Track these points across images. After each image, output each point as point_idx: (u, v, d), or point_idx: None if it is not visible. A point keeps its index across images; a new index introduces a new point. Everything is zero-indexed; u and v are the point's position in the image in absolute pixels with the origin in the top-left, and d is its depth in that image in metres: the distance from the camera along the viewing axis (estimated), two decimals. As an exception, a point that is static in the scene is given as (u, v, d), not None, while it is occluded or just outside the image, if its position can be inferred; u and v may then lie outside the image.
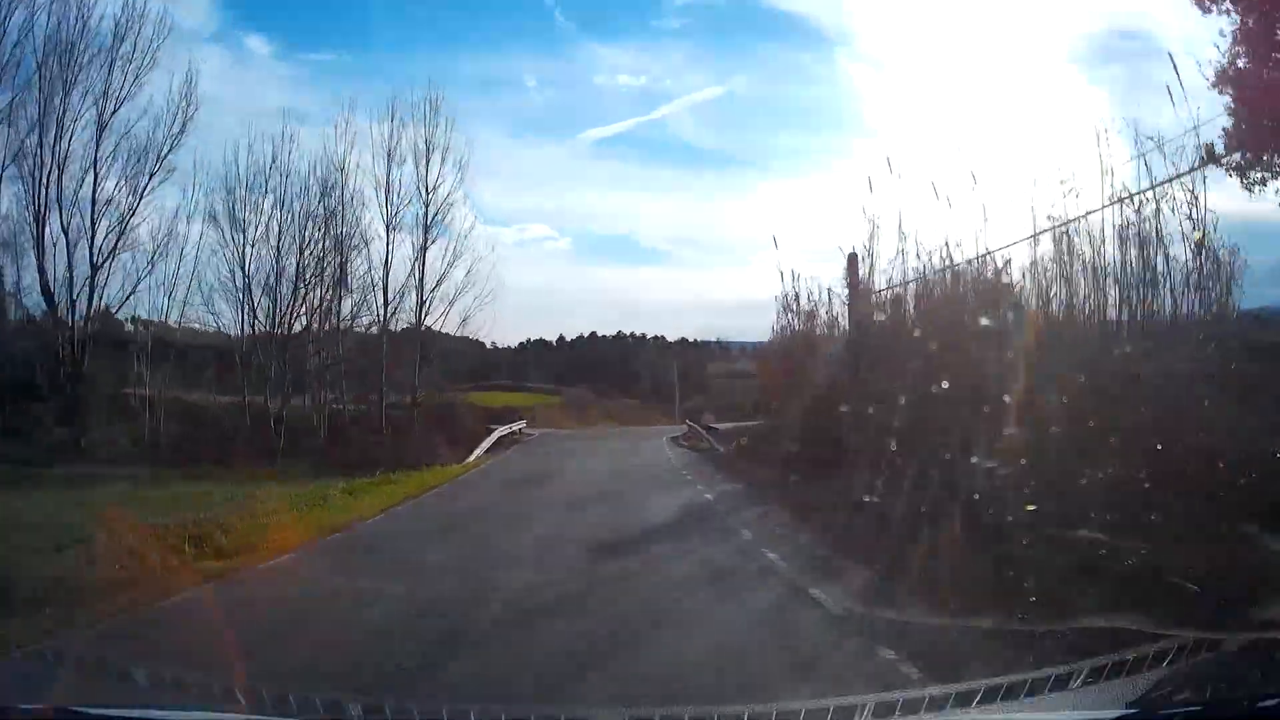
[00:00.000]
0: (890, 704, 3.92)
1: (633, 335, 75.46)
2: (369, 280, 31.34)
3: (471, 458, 28.06)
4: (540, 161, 76.46)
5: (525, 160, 76.17)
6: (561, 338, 75.74)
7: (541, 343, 73.86)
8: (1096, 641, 5.09)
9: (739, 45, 73.62)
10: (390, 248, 31.32)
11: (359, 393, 32.46)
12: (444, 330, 33.42)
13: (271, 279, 29.53)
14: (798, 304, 21.28)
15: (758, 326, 67.40)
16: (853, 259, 16.18)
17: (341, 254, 30.47)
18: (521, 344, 70.39)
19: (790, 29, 71.22)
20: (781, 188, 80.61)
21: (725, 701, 4.71)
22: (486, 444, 31.00)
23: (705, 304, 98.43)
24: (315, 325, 31.14)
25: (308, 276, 30.09)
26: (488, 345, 64.77)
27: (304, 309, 30.46)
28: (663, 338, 73.70)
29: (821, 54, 71.84)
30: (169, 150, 27.81)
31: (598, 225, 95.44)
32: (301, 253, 29.86)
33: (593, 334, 76.14)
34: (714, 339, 72.65)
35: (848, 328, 16.61)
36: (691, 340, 72.55)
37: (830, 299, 19.21)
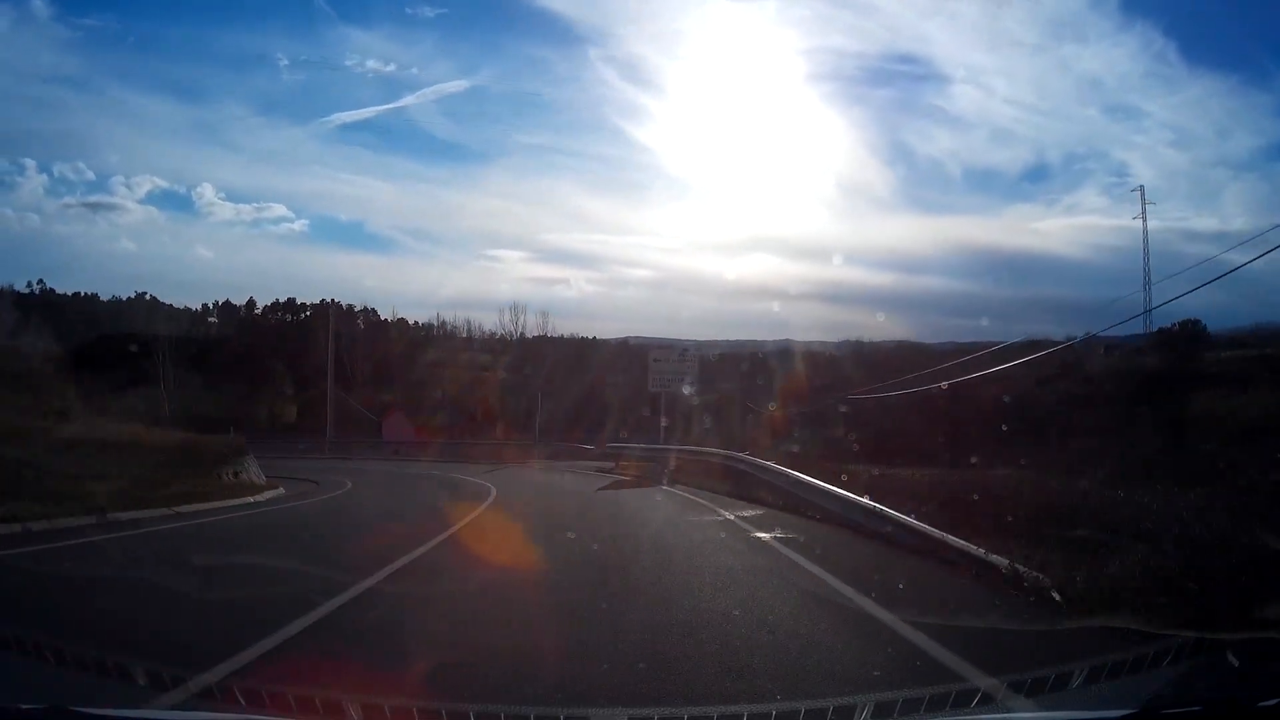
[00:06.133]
0: (890, 704, 3.90)
1: (323, 302, 60.24)
2: None
3: None
4: (286, 142, 75.52)
5: (271, 139, 74.82)
6: (252, 300, 65.07)
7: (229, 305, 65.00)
8: (1096, 641, 5.09)
9: (489, 39, 74.56)
10: None
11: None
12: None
13: None
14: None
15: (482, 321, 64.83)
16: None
17: None
18: (205, 305, 65.47)
19: (543, 25, 71.08)
20: (517, 186, 79.31)
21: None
22: None
23: (433, 297, 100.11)
24: None
25: None
26: (177, 306, 60.08)
27: None
28: (375, 311, 63.85)
29: (572, 52, 71.45)
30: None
31: (334, 209, 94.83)
32: None
33: (275, 301, 64.26)
34: (437, 320, 63.59)
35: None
36: (413, 322, 64.49)
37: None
